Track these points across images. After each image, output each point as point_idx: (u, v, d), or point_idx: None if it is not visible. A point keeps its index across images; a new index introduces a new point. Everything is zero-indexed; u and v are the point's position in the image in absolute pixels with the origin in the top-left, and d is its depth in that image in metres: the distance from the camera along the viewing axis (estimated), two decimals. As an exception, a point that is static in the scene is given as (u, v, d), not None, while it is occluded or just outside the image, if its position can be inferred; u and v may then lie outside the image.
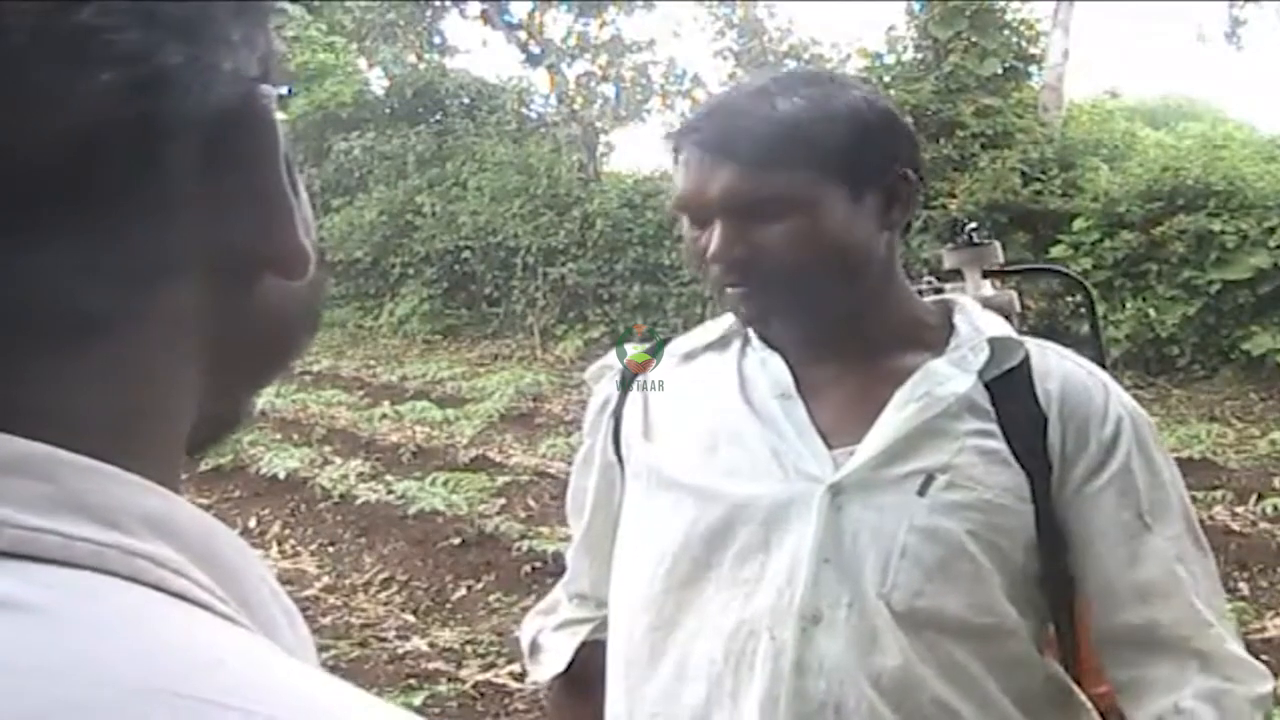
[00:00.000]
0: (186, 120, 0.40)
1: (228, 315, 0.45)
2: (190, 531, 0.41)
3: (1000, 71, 11.33)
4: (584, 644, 1.51)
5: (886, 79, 11.48)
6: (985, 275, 1.63)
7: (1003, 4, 11.64)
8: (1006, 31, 11.57)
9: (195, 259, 0.43)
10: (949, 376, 1.29)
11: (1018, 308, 1.56)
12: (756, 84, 1.30)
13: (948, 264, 1.65)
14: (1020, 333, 1.38)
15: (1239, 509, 5.96)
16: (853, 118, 1.25)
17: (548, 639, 1.55)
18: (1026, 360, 1.31)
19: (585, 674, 1.47)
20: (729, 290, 1.28)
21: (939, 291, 1.49)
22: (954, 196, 10.34)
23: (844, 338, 1.33)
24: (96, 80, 0.38)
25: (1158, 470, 1.30)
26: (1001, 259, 1.65)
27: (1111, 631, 1.30)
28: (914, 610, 1.23)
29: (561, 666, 1.52)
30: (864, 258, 1.29)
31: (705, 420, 1.34)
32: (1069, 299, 8.94)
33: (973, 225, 1.64)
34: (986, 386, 1.29)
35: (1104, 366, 1.41)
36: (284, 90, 0.47)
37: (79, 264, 0.39)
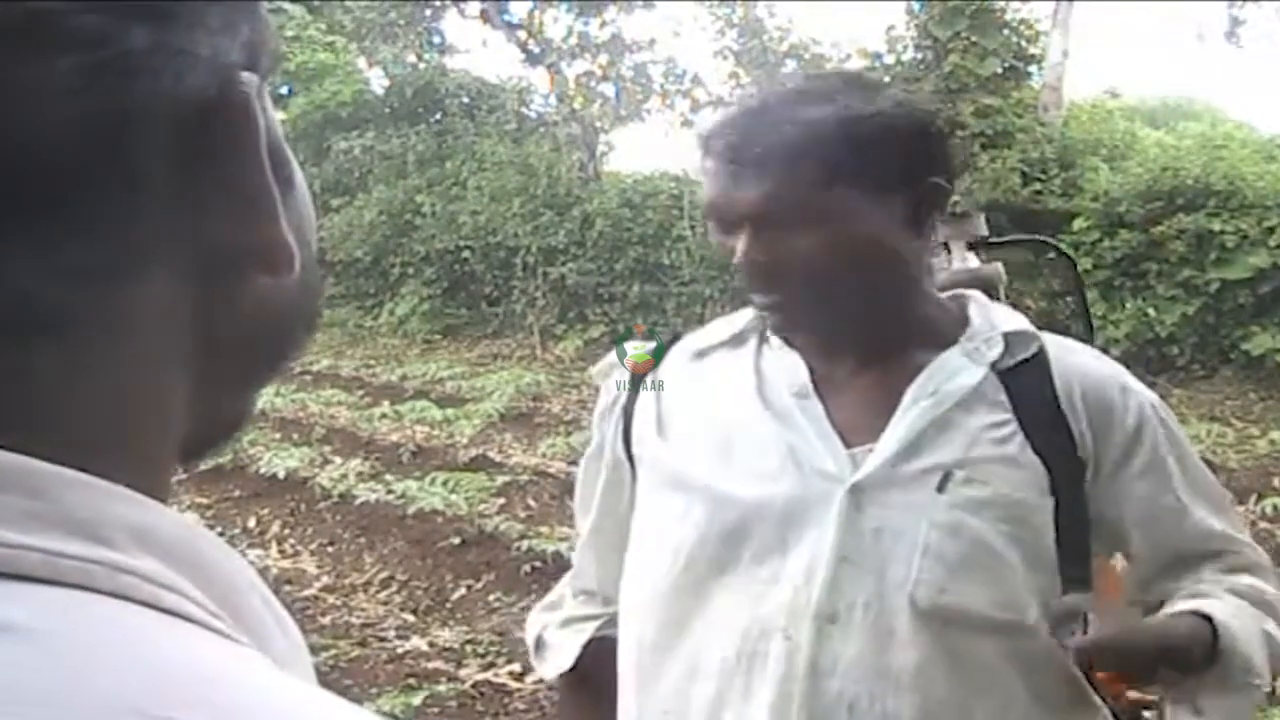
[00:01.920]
0: (155, 107, 0.38)
1: (214, 313, 0.43)
2: (177, 543, 0.39)
3: (1000, 71, 11.33)
4: (590, 641, 1.50)
5: (886, 79, 11.47)
6: (970, 248, 1.63)
7: (1003, 4, 11.64)
8: (1006, 31, 11.57)
9: (170, 253, 0.40)
10: (959, 369, 1.29)
11: (1004, 278, 1.55)
12: (787, 89, 1.28)
13: None
14: None
15: (1239, 509, 5.94)
16: (880, 126, 1.23)
17: (553, 636, 1.54)
18: (1043, 353, 1.31)
19: (592, 671, 1.46)
20: (756, 299, 1.29)
21: None
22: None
23: (862, 338, 1.33)
24: (52, 66, 0.36)
25: (1186, 453, 1.34)
26: (985, 231, 1.65)
27: (1149, 595, 1.35)
28: (938, 607, 1.23)
29: (568, 664, 1.51)
30: (889, 266, 1.28)
31: (721, 418, 1.34)
32: (1068, 299, 8.93)
33: (955, 198, 1.65)
34: (1001, 378, 1.29)
35: (1091, 335, 1.43)
36: (271, 78, 0.44)
37: (42, 260, 0.37)
